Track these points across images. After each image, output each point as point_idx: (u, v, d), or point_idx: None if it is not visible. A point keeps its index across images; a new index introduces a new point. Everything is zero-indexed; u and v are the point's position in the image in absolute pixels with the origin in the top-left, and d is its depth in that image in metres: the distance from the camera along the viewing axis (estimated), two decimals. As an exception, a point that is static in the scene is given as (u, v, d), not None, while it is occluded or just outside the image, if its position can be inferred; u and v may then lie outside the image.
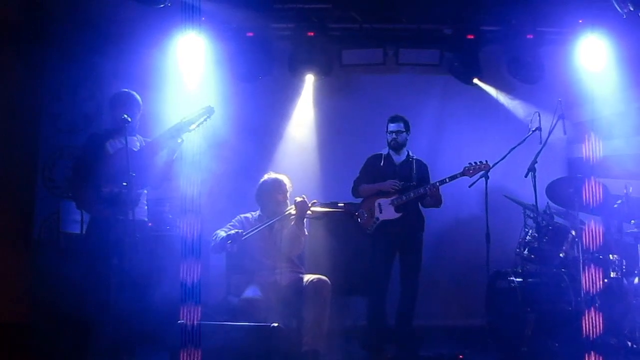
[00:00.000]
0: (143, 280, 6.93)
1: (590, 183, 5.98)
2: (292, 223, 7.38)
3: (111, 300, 6.51)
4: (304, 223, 7.47)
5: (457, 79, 9.94)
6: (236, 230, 7.27)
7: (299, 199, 7.38)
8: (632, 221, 8.06)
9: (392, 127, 8.56)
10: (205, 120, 6.67)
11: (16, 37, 7.91)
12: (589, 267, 5.98)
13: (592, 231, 6.22)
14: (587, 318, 5.21)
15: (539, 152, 8.20)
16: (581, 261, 7.24)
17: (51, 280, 7.02)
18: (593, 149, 6.06)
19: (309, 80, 10.14)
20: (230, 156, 8.86)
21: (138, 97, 6.95)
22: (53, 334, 6.90)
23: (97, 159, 6.76)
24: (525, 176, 8.19)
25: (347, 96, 10.40)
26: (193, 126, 6.71)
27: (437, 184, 8.24)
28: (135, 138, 6.98)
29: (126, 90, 7.01)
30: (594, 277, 5.72)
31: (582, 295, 6.70)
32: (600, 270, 6.52)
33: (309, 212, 7.41)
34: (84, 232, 7.06)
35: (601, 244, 6.99)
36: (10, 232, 7.77)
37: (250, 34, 9.37)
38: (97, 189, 6.73)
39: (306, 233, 7.53)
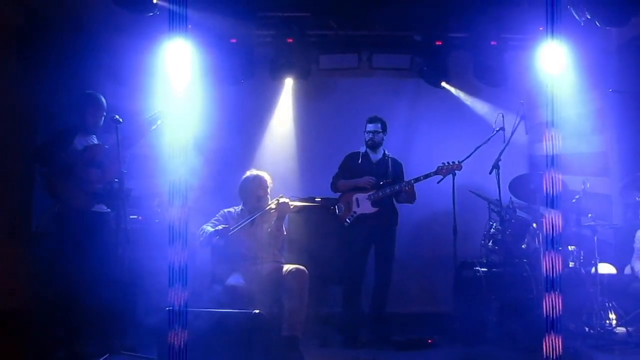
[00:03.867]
0: (131, 270, 6.96)
1: (549, 179, 6.00)
2: (273, 222, 7.41)
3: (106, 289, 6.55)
4: (283, 223, 7.50)
5: (426, 82, 9.99)
6: (223, 226, 7.26)
7: (282, 200, 7.39)
8: (589, 215, 8.12)
9: (370, 127, 8.56)
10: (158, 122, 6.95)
11: (16, 40, 7.89)
12: (549, 257, 5.99)
13: (551, 224, 6.24)
14: (546, 305, 5.24)
15: (503, 151, 8.23)
16: (542, 252, 7.27)
17: (48, 270, 7.00)
18: (553, 147, 6.08)
19: (289, 84, 10.18)
20: (214, 154, 8.84)
21: (104, 99, 7.11)
22: (49, 321, 6.89)
23: (68, 154, 6.82)
24: (490, 173, 8.22)
25: (324, 98, 10.41)
26: (154, 126, 6.93)
27: (412, 181, 8.26)
28: (94, 137, 7.13)
29: (92, 92, 7.16)
30: (553, 267, 5.74)
31: (543, 283, 6.73)
32: (560, 260, 6.53)
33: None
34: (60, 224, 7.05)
35: (560, 236, 7.02)
36: (10, 225, 7.73)
37: (234, 40, 9.36)
38: (85, 184, 6.77)
39: (285, 233, 7.58)
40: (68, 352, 6.67)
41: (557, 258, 5.39)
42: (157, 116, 6.98)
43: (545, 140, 6.45)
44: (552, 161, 5.63)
